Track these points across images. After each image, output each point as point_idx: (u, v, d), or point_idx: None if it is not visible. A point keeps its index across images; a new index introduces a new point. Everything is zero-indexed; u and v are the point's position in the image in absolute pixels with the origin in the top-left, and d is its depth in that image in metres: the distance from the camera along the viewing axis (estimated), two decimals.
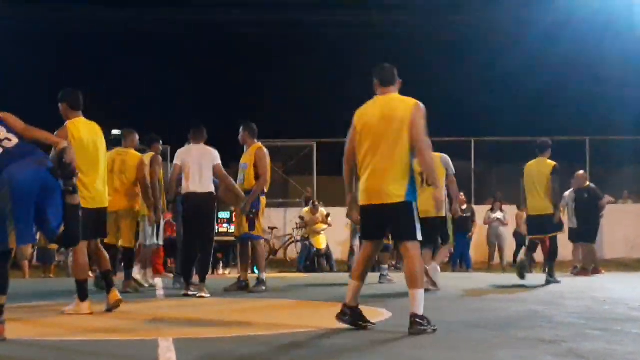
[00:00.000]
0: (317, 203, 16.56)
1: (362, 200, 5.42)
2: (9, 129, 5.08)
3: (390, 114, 5.33)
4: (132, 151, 9.30)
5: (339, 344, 4.82)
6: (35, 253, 14.74)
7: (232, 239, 11.07)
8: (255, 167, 8.98)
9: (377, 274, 10.55)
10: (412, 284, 5.22)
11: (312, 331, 5.39)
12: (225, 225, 13.73)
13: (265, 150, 9.14)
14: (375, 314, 6.10)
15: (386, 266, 11.04)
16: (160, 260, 12.82)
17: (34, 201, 4.87)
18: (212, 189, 8.61)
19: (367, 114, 5.43)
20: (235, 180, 9.04)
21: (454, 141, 18.54)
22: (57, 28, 24.10)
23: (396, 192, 5.26)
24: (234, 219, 11.44)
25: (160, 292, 9.27)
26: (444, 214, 8.86)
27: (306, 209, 16.73)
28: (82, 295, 6.47)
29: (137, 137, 9.55)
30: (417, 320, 5.11)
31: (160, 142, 10.20)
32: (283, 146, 19.69)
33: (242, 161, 9.13)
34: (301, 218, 16.67)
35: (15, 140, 5.02)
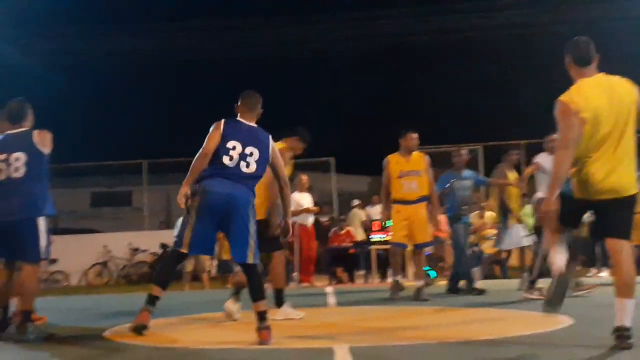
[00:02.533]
0: (484, 207, 16.13)
1: (594, 194, 4.66)
2: (262, 158, 5.41)
3: (619, 97, 4.64)
4: None
5: (524, 353, 4.63)
6: (215, 265, 15.36)
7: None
8: (425, 173, 8.95)
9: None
10: (623, 292, 4.53)
11: (485, 339, 5.18)
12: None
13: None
14: (555, 321, 5.81)
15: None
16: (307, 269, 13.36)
17: (245, 220, 5.26)
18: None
19: (594, 98, 4.62)
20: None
21: None
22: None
23: (633, 184, 4.68)
24: None
25: (331, 299, 9.36)
26: None
27: (474, 213, 16.34)
28: (280, 301, 6.95)
29: None
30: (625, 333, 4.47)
31: None
32: (448, 151, 19.36)
33: (410, 168, 8.97)
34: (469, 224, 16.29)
35: (253, 170, 5.36)
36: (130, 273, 17.89)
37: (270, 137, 5.54)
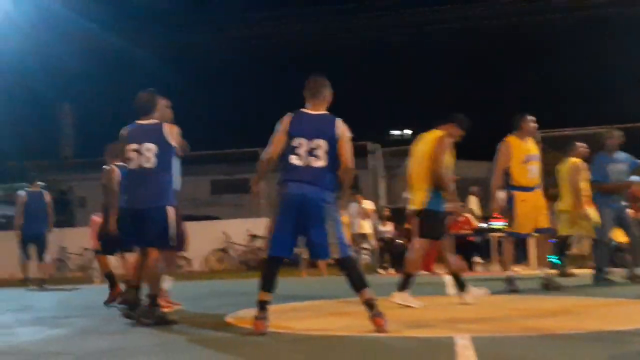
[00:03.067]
0: None
1: None
2: (331, 148, 5.26)
3: None
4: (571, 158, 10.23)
5: None
6: None
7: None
8: None
9: None
10: None
11: (615, 330, 4.90)
12: None
13: None
14: None
15: None
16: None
17: (321, 219, 5.19)
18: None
19: None
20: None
21: None
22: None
23: None
24: None
25: (450, 289, 9.17)
26: None
27: None
28: (404, 286, 6.96)
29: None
30: None
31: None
32: (571, 135, 18.74)
33: (532, 153, 8.55)
34: None
35: (323, 162, 5.24)
36: (249, 259, 18.26)
37: (337, 122, 5.34)
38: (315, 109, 5.43)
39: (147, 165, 6.09)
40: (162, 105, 6.97)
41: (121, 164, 8.84)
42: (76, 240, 17.13)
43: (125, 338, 5.42)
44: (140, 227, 6.15)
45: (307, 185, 5.19)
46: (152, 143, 6.10)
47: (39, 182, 13.45)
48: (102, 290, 12.25)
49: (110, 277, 8.69)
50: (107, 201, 8.51)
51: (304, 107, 5.46)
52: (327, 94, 5.50)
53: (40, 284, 12.73)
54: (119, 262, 8.47)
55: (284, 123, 5.35)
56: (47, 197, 13.29)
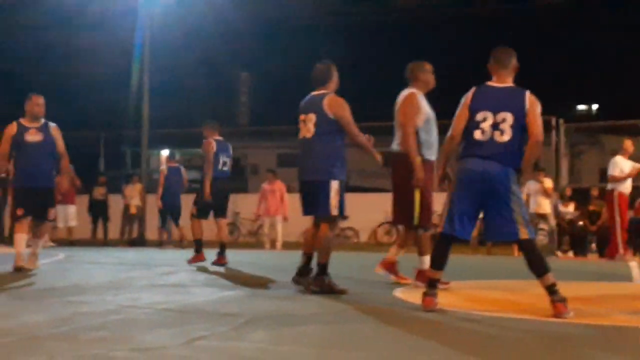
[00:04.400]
0: None
1: None
2: (517, 121, 4.98)
3: None
4: None
5: None
6: None
7: None
8: None
9: None
10: None
11: None
12: None
13: None
14: None
15: None
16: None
17: (505, 197, 4.92)
18: None
19: None
20: None
21: None
22: None
23: None
24: None
25: (637, 274, 8.63)
26: None
27: None
28: None
29: None
30: None
31: None
32: None
33: None
34: None
35: (508, 137, 4.97)
36: None
37: (527, 94, 5.02)
38: (501, 81, 5.17)
39: (308, 135, 6.21)
40: (426, 70, 6.93)
41: (219, 138, 9.61)
42: (249, 206, 17.65)
43: (294, 304, 5.47)
44: (306, 197, 6.28)
45: (489, 161, 4.95)
46: (313, 113, 6.17)
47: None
48: (272, 255, 12.60)
49: (198, 243, 9.58)
50: (204, 170, 9.25)
51: (488, 81, 5.22)
52: (514, 64, 5.22)
53: (179, 244, 14.81)
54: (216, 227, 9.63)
55: (467, 97, 5.15)
56: (184, 172, 15.38)
